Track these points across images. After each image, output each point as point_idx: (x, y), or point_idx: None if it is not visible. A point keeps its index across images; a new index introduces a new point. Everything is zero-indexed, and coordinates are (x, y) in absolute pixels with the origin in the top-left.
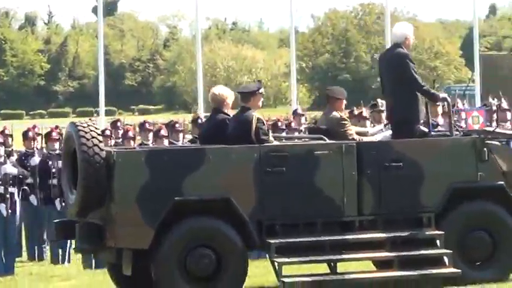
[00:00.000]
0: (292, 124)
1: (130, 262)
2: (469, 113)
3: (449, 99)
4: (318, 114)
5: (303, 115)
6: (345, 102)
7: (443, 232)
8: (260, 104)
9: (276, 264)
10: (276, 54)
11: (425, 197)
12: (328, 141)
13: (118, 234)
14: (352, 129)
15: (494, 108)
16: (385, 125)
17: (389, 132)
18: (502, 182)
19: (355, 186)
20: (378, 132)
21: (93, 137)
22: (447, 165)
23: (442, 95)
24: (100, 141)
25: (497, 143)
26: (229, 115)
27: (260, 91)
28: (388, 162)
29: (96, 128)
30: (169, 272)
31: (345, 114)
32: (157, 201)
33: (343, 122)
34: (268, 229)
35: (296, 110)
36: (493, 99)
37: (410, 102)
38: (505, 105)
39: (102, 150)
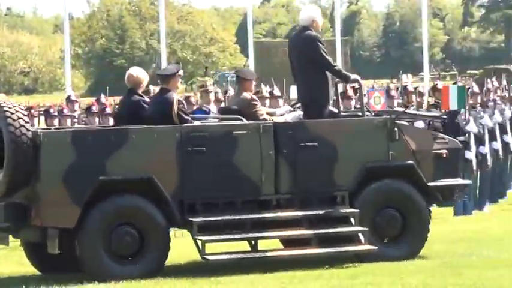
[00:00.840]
0: (65, 110)
1: (56, 241)
2: (371, 93)
3: (360, 80)
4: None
5: (76, 101)
6: (254, 82)
7: (358, 210)
8: (179, 85)
9: (199, 242)
10: (51, 40)
11: (339, 176)
12: (245, 121)
13: (44, 214)
14: (263, 110)
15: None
16: (292, 106)
17: (299, 112)
18: (412, 161)
19: (273, 166)
20: (286, 112)
21: (19, 118)
22: (360, 145)
23: (354, 76)
24: (26, 122)
25: (406, 123)
26: (143, 96)
27: (179, 73)
28: (303, 142)
29: (21, 109)
30: (94, 250)
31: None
32: (83, 180)
33: (254, 102)
34: (190, 208)
35: (69, 96)
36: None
37: (319, 83)
38: (277, 92)
39: (28, 130)
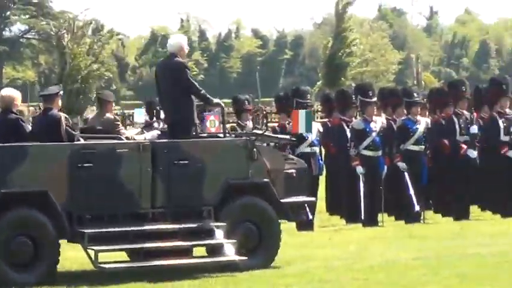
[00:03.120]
0: None
1: None
2: (207, 116)
3: (222, 104)
4: None
5: None
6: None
7: (225, 224)
8: (60, 104)
9: (91, 252)
10: None
11: (207, 192)
12: (126, 140)
13: None
14: (123, 129)
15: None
16: (142, 128)
17: (156, 132)
18: (268, 179)
19: (150, 181)
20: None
21: None
22: (224, 163)
23: (216, 100)
24: None
25: (263, 144)
26: (17, 114)
27: (61, 93)
28: (176, 160)
29: None
30: None
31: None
32: None
33: (117, 122)
34: (78, 220)
35: None
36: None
37: (186, 106)
38: None
39: None
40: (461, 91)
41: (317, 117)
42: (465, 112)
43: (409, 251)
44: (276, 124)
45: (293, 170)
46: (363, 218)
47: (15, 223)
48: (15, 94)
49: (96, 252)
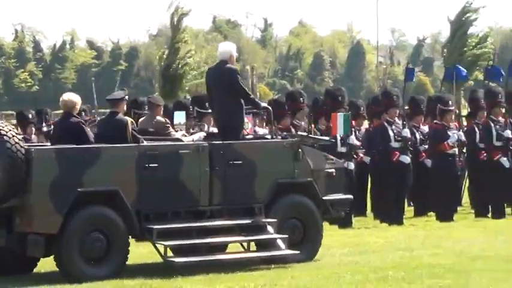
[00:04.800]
0: None
1: (41, 246)
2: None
3: (270, 108)
4: None
5: None
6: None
7: (275, 220)
8: (125, 108)
9: (162, 247)
10: None
11: (258, 190)
12: (186, 142)
13: (34, 221)
14: (173, 131)
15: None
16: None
17: (202, 134)
18: (311, 179)
19: (208, 180)
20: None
21: (13, 136)
22: (273, 163)
23: (263, 104)
24: (20, 140)
25: (307, 145)
26: (79, 118)
27: (126, 97)
28: (231, 160)
29: (13, 128)
30: (70, 254)
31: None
32: (65, 192)
33: (167, 125)
34: (145, 217)
35: None
36: None
37: (237, 110)
38: None
39: (22, 147)
40: (300, 103)
41: None
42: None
43: None
44: None
45: (333, 170)
46: None
47: (90, 220)
48: (76, 98)
49: (166, 247)
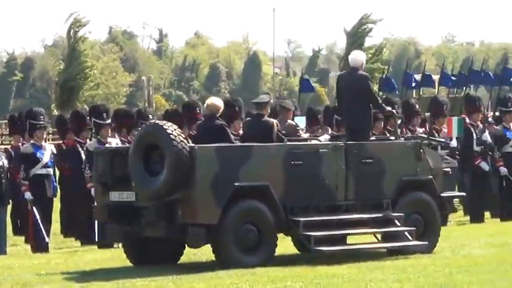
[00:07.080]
0: None
1: (202, 237)
2: None
3: (395, 112)
4: None
5: None
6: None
7: (402, 214)
8: (269, 110)
9: (310, 237)
10: None
11: (386, 186)
12: (323, 142)
13: (197, 213)
14: (302, 133)
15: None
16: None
17: (327, 136)
18: (431, 176)
19: (344, 177)
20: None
21: (179, 135)
22: (399, 162)
23: (388, 108)
24: (185, 138)
25: (426, 146)
26: (221, 120)
27: (271, 101)
28: (364, 159)
29: (177, 127)
30: (226, 243)
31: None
32: (223, 186)
33: (298, 128)
34: (291, 210)
35: None
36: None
37: (366, 113)
38: None
39: (186, 145)
40: (196, 112)
41: (50, 139)
42: None
43: None
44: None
45: (449, 169)
46: None
47: (244, 212)
48: (219, 103)
49: (312, 237)
